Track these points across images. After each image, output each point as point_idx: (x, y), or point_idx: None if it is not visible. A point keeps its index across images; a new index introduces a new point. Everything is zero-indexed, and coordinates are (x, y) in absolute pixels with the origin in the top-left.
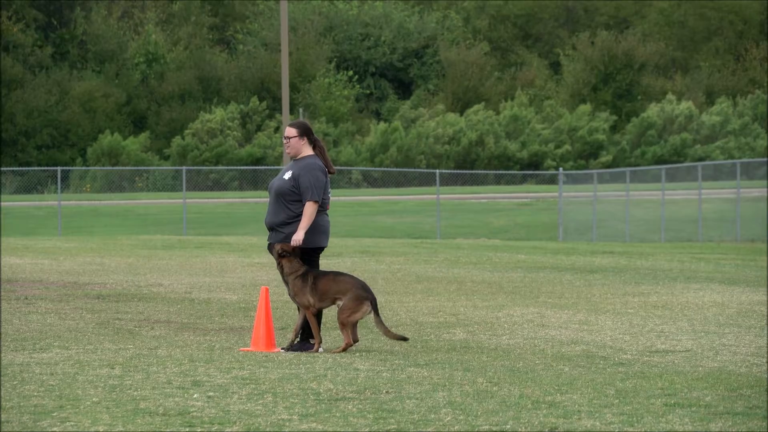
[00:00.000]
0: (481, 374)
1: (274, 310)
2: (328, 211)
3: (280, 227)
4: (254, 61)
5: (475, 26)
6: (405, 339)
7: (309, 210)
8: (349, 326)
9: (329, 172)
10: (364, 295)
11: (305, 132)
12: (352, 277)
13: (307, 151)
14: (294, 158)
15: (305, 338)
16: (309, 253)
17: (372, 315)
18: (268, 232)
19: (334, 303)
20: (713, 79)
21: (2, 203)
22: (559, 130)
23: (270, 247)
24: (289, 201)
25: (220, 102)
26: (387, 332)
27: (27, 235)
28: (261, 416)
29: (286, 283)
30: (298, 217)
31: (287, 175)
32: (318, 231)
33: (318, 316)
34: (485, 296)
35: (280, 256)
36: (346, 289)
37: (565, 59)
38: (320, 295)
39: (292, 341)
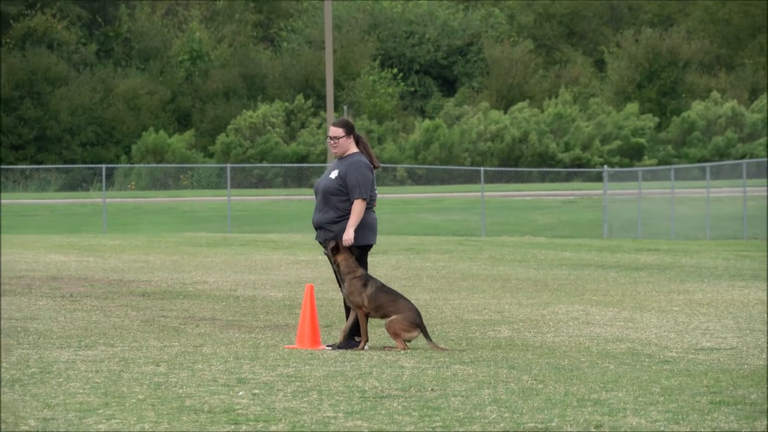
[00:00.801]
0: (526, 372)
1: (319, 307)
2: (374, 209)
3: (328, 225)
4: (298, 59)
5: (519, 23)
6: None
7: (357, 208)
8: (401, 337)
9: (374, 167)
10: (417, 322)
11: (351, 130)
12: (409, 302)
13: (353, 148)
14: (340, 157)
15: (350, 336)
16: (358, 251)
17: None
18: (314, 231)
19: (383, 318)
20: (758, 76)
21: (47, 200)
22: (602, 126)
23: (325, 245)
24: (337, 200)
25: (265, 99)
26: (444, 349)
27: (72, 232)
28: (306, 414)
29: (342, 281)
30: (346, 215)
31: (333, 174)
32: (367, 228)
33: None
34: (530, 294)
35: (334, 254)
36: (401, 311)
37: (609, 57)
38: (375, 307)
39: (340, 343)
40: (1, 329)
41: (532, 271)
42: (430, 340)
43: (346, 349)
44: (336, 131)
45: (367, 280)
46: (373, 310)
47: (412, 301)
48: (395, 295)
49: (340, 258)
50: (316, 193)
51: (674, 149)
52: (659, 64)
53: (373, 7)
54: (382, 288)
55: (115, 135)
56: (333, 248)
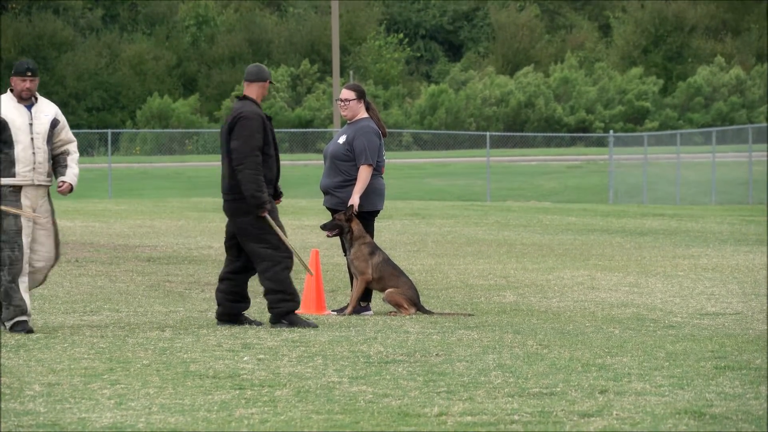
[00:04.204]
0: (531, 337)
1: (325, 272)
2: (383, 175)
3: (335, 190)
4: (304, 24)
5: None
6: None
7: (363, 174)
8: (404, 305)
9: (383, 135)
10: (415, 301)
11: (362, 95)
12: (410, 281)
13: (362, 113)
14: (349, 121)
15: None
16: (365, 217)
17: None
18: (322, 195)
19: (381, 291)
20: (763, 41)
21: None
22: (605, 90)
23: (337, 217)
24: (344, 165)
25: (270, 64)
26: (450, 314)
27: (77, 197)
28: (311, 378)
29: (350, 246)
30: (353, 180)
31: (342, 140)
32: (375, 194)
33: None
34: (535, 259)
35: (348, 221)
36: (401, 287)
37: (614, 21)
38: (378, 278)
39: (349, 312)
40: None
41: (537, 236)
42: (432, 313)
43: (353, 314)
44: (348, 93)
45: (374, 249)
46: (375, 280)
47: (417, 267)
48: (399, 272)
49: (354, 225)
50: (325, 159)
51: (678, 114)
52: (665, 29)
53: None
54: (388, 261)
55: (121, 100)
56: (347, 218)
